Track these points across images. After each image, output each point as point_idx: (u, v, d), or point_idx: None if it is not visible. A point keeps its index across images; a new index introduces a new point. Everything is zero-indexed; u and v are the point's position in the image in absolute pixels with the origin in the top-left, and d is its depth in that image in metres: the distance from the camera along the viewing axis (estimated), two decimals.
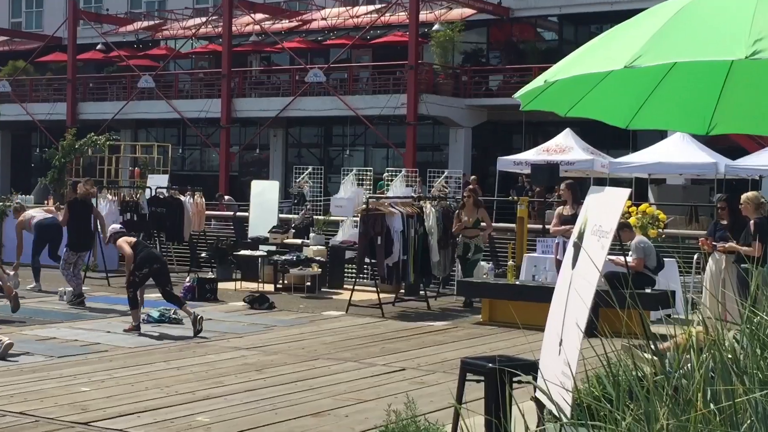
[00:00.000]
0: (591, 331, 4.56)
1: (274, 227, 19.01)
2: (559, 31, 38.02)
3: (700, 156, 22.80)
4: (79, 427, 7.80)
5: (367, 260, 15.85)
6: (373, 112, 33.78)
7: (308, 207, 20.14)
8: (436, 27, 35.34)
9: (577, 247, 5.10)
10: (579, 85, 5.01)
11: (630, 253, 13.19)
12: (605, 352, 3.86)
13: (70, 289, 15.45)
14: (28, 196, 25.66)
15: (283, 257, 17.55)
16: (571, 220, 12.12)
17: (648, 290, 12.81)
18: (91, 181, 21.16)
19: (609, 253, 5.05)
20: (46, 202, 24.90)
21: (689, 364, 3.62)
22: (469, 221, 15.60)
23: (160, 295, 13.03)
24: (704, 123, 5.17)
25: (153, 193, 19.79)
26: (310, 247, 18.04)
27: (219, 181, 35.89)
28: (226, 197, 30.15)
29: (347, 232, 18.37)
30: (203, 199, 20.49)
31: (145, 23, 44.90)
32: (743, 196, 12.16)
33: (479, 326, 13.82)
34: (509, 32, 38.19)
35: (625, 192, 5.01)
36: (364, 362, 10.79)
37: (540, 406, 5.30)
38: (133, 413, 8.21)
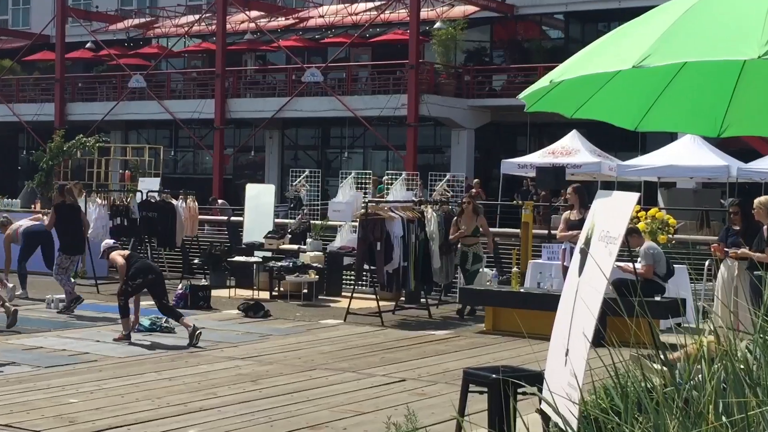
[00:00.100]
0: (598, 340, 4.56)
1: (269, 232, 19.01)
2: (566, 29, 38.05)
3: (711, 159, 22.81)
4: None
5: (366, 267, 15.84)
6: (373, 113, 33.80)
7: (305, 211, 20.12)
8: (437, 25, 35.37)
9: (584, 253, 5.10)
10: (586, 86, 5.02)
11: (639, 259, 13.18)
12: (613, 363, 3.86)
13: (58, 296, 15.45)
14: (14, 200, 25.63)
15: (279, 264, 17.55)
16: (579, 225, 12.12)
17: (657, 298, 12.80)
18: (80, 185, 21.22)
19: (617, 260, 5.05)
20: (33, 206, 24.89)
21: (700, 375, 3.62)
22: (468, 229, 15.54)
23: (151, 303, 13.01)
24: (716, 124, 5.17)
25: (144, 197, 19.79)
26: (307, 253, 18.04)
27: (212, 185, 35.91)
28: (220, 201, 30.15)
29: (345, 238, 18.36)
30: (196, 204, 20.49)
31: (136, 21, 44.93)
32: (756, 201, 12.15)
33: (482, 335, 13.81)
34: (513, 30, 38.21)
35: (634, 196, 5.02)
36: (362, 373, 10.78)
37: (545, 418, 5.29)
38: (122, 426, 8.21)
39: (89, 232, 17.70)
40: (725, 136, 5.22)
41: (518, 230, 17.59)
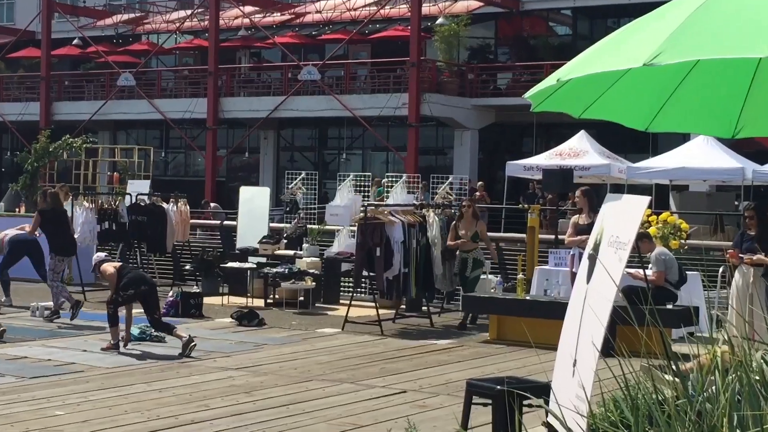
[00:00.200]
0: (607, 350, 4.56)
1: (264, 237, 19.01)
2: (573, 25, 38.08)
3: (725, 161, 22.82)
4: None
5: (365, 273, 15.83)
6: (372, 113, 33.81)
7: (301, 215, 20.13)
8: (439, 21, 35.39)
9: (593, 259, 5.10)
10: (595, 85, 5.02)
11: (650, 265, 13.18)
12: (623, 374, 3.87)
13: (44, 304, 15.44)
14: None
15: (274, 270, 17.54)
16: (588, 229, 12.12)
17: (669, 306, 12.80)
18: (66, 188, 21.23)
19: (627, 266, 5.06)
20: (17, 209, 24.91)
21: (714, 387, 3.62)
22: (467, 234, 15.45)
23: (140, 310, 13.01)
24: (730, 125, 5.18)
25: (133, 201, 19.79)
26: (304, 258, 18.04)
27: (205, 188, 35.92)
28: (213, 205, 30.18)
29: (344, 243, 18.36)
30: (187, 207, 20.49)
31: (125, 16, 44.96)
32: None
33: (486, 345, 13.81)
34: (519, 26, 38.24)
35: (645, 200, 5.02)
36: (361, 384, 10.78)
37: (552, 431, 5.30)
38: None
39: (76, 236, 17.69)
40: (740, 137, 5.23)
41: (524, 235, 17.60)
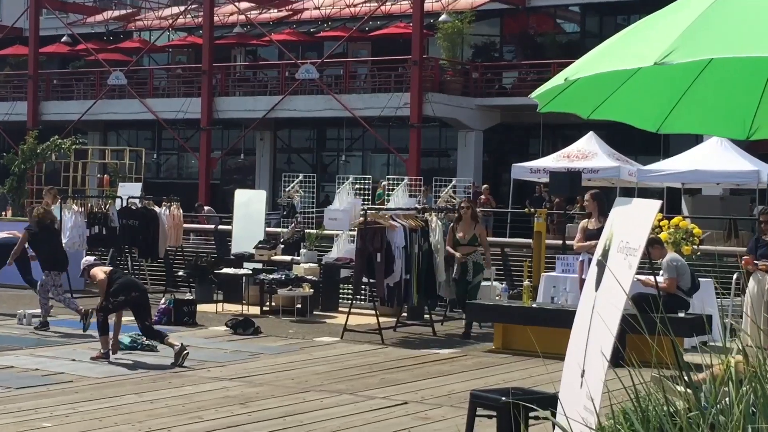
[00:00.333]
0: (617, 360, 4.56)
1: (260, 242, 19.01)
2: (582, 22, 38.11)
3: (739, 163, 22.83)
4: None
5: (365, 280, 15.83)
6: (373, 113, 33.84)
7: (299, 220, 20.13)
8: (443, 18, 35.43)
9: (602, 265, 5.10)
10: (604, 84, 5.03)
11: (661, 272, 13.18)
12: (633, 384, 3.87)
13: (31, 311, 15.44)
14: None
15: (271, 276, 17.54)
16: (597, 234, 12.12)
17: (681, 314, 12.80)
18: (54, 190, 21.24)
19: (637, 273, 5.06)
20: (4, 213, 24.93)
21: (727, 399, 3.63)
22: (465, 237, 15.42)
23: (131, 318, 13.00)
24: (744, 126, 5.18)
25: (124, 204, 19.79)
26: (301, 264, 18.04)
27: (199, 191, 35.94)
28: (207, 208, 30.18)
29: (343, 248, 18.35)
30: (181, 211, 20.48)
31: (116, 13, 45.02)
32: None
33: (491, 354, 13.81)
34: (525, 23, 38.27)
35: (656, 204, 5.02)
36: (361, 395, 10.78)
37: None
38: None
39: (65, 242, 17.69)
40: (755, 139, 5.23)
41: (530, 240, 17.59)
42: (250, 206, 20.56)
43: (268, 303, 17.81)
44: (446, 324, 16.61)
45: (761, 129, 5.13)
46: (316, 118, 36.35)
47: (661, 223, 15.69)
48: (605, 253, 5.13)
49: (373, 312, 15.76)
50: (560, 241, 17.91)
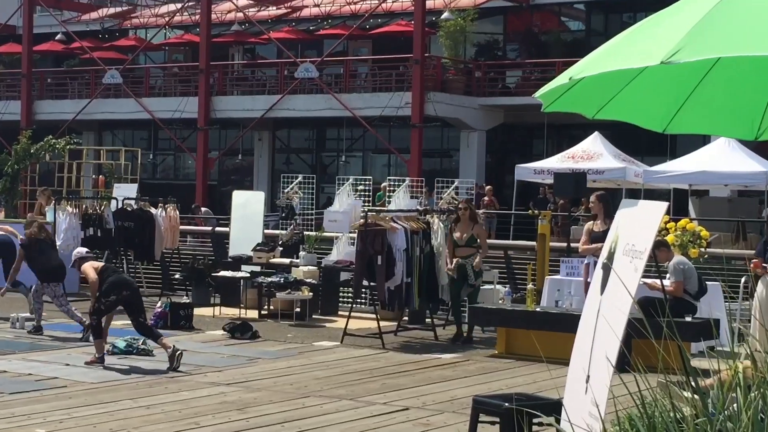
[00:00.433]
0: (623, 365, 4.57)
1: (258, 245, 19.01)
2: (587, 20, 38.11)
3: (748, 164, 22.82)
4: None
5: (365, 283, 15.84)
6: (373, 113, 33.84)
7: (298, 221, 20.13)
8: (445, 15, 35.44)
9: (607, 268, 5.11)
10: (609, 83, 5.03)
11: (667, 275, 13.18)
12: (639, 390, 3.87)
13: (24, 314, 15.45)
14: None
15: (269, 279, 17.55)
16: (602, 237, 12.10)
17: (688, 318, 12.81)
18: (48, 191, 21.24)
19: (643, 276, 5.06)
20: None
21: (735, 405, 3.63)
22: (462, 238, 15.34)
23: (127, 322, 13.01)
24: (752, 127, 5.18)
25: (120, 205, 19.80)
26: (300, 267, 18.04)
27: (195, 192, 35.94)
28: (204, 209, 30.18)
29: (343, 251, 18.35)
30: (177, 212, 20.49)
31: (112, 10, 45.03)
32: None
33: (494, 359, 13.81)
34: (529, 21, 38.26)
35: (662, 206, 5.02)
36: (361, 400, 10.78)
37: None
38: None
39: (59, 244, 17.70)
40: (763, 140, 5.23)
41: (534, 243, 17.60)
42: (248, 208, 20.56)
43: (266, 306, 17.81)
44: (448, 328, 16.61)
45: None
46: (316, 117, 36.35)
47: (668, 226, 15.69)
48: (611, 256, 5.13)
49: (373, 316, 15.76)
50: (565, 244, 17.91)
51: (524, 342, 13.59)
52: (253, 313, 17.63)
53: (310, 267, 18.10)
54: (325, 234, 19.28)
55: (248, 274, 18.31)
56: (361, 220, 15.52)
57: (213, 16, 38.47)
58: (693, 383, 3.71)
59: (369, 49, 39.04)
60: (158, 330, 13.25)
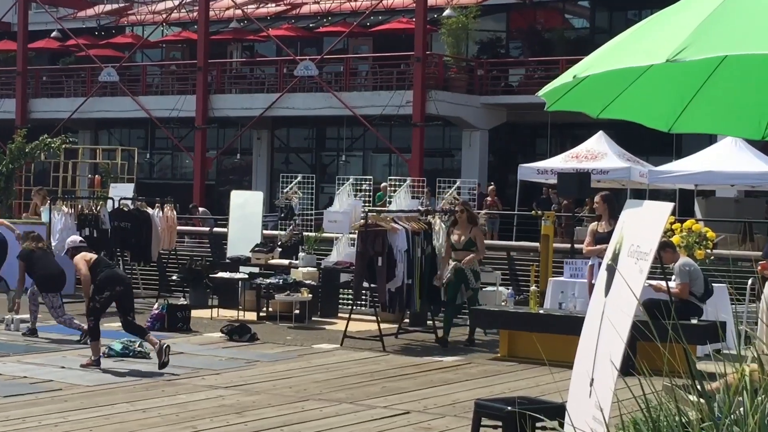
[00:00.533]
0: (627, 368, 4.57)
1: (257, 245, 19.02)
2: (591, 17, 38.12)
3: (755, 164, 22.80)
4: None
5: (365, 284, 15.84)
6: (374, 112, 33.84)
7: (297, 222, 20.14)
8: (447, 12, 35.44)
9: (612, 270, 5.11)
10: (614, 82, 5.03)
11: (673, 277, 13.18)
12: (643, 394, 3.87)
13: (19, 317, 15.45)
14: None
15: (268, 281, 17.55)
16: (607, 238, 12.12)
17: (694, 321, 12.80)
18: (44, 191, 21.26)
19: (648, 278, 5.06)
20: None
21: (742, 409, 3.63)
22: (460, 241, 15.28)
23: (120, 325, 13.01)
24: (759, 126, 5.19)
25: (116, 206, 19.80)
26: (299, 269, 18.04)
27: (193, 192, 35.95)
28: (201, 210, 30.19)
29: (343, 252, 18.35)
30: (174, 213, 20.49)
31: (108, 7, 45.03)
32: None
33: (496, 362, 13.81)
34: (532, 18, 38.27)
35: (668, 206, 5.02)
36: (361, 404, 10.78)
37: None
38: None
39: (54, 244, 17.71)
40: None
41: (537, 244, 17.59)
42: (246, 208, 20.56)
43: (265, 308, 17.81)
44: (451, 330, 16.59)
45: None
46: (315, 116, 36.35)
47: (674, 226, 15.68)
48: (615, 257, 5.13)
49: (374, 318, 15.76)
50: (568, 245, 17.92)
51: (527, 345, 13.59)
52: (251, 315, 17.63)
53: (310, 268, 18.10)
54: (324, 235, 19.29)
55: (246, 276, 18.31)
56: (362, 221, 15.52)
57: (211, 13, 38.48)
58: (699, 387, 3.72)
59: (369, 46, 39.05)
60: (147, 328, 13.20)
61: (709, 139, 25.60)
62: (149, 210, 19.79)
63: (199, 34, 37.42)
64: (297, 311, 17.45)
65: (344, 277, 17.98)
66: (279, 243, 19.41)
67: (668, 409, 3.89)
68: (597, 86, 5.04)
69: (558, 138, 34.85)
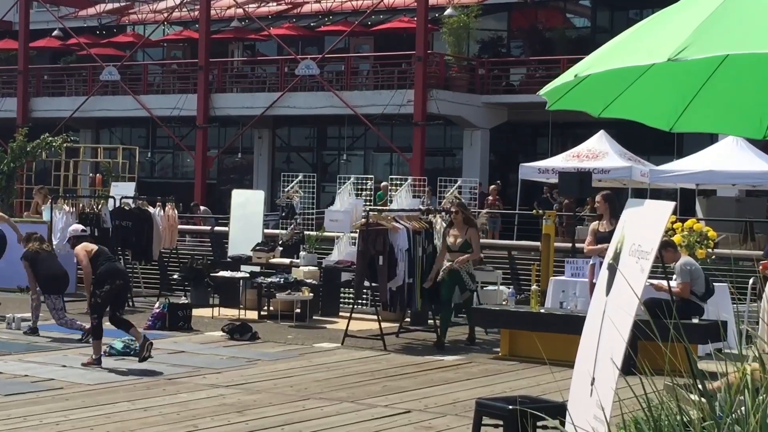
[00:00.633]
0: (628, 367, 4.57)
1: (258, 244, 19.02)
2: (593, 16, 38.11)
3: (756, 163, 22.80)
4: None
5: (366, 283, 15.83)
6: (375, 111, 33.84)
7: (298, 221, 20.14)
8: (448, 11, 35.42)
9: (613, 269, 5.10)
10: (615, 81, 5.03)
11: (674, 276, 13.18)
12: (645, 393, 3.87)
13: (20, 315, 15.45)
14: None
15: (269, 280, 17.55)
16: (608, 237, 12.12)
17: (695, 320, 12.80)
18: (45, 190, 21.26)
19: (649, 277, 5.07)
20: None
21: (743, 408, 3.63)
22: (456, 243, 15.21)
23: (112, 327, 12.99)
24: (761, 125, 5.18)
25: (117, 204, 19.80)
26: (301, 267, 18.05)
27: (194, 190, 35.95)
28: (203, 209, 30.19)
29: (344, 251, 18.35)
30: (176, 212, 20.50)
31: (109, 6, 45.02)
32: None
33: (497, 361, 13.81)
34: (534, 18, 38.26)
35: (669, 205, 5.02)
36: (362, 403, 10.78)
37: None
38: None
39: (55, 243, 17.71)
40: None
41: (538, 243, 17.59)
42: (247, 207, 20.57)
43: (266, 307, 17.81)
44: (450, 329, 16.59)
45: None
46: (317, 115, 36.35)
47: (675, 226, 15.68)
48: (616, 257, 5.13)
49: (374, 317, 15.76)
50: (570, 244, 17.91)
51: (528, 344, 13.58)
52: (252, 314, 17.63)
53: (311, 267, 18.10)
54: (325, 234, 19.29)
55: (248, 275, 18.31)
56: (363, 220, 15.52)
57: (212, 12, 38.48)
58: (700, 386, 3.71)
59: (371, 45, 39.05)
60: (130, 322, 13.13)
61: (710, 139, 25.59)
62: (150, 209, 19.79)
63: (201, 33, 37.42)
64: (298, 310, 17.45)
65: (345, 276, 17.98)
66: (280, 242, 19.41)
67: (669, 409, 3.89)
68: (598, 85, 5.04)
69: (559, 137, 34.84)
